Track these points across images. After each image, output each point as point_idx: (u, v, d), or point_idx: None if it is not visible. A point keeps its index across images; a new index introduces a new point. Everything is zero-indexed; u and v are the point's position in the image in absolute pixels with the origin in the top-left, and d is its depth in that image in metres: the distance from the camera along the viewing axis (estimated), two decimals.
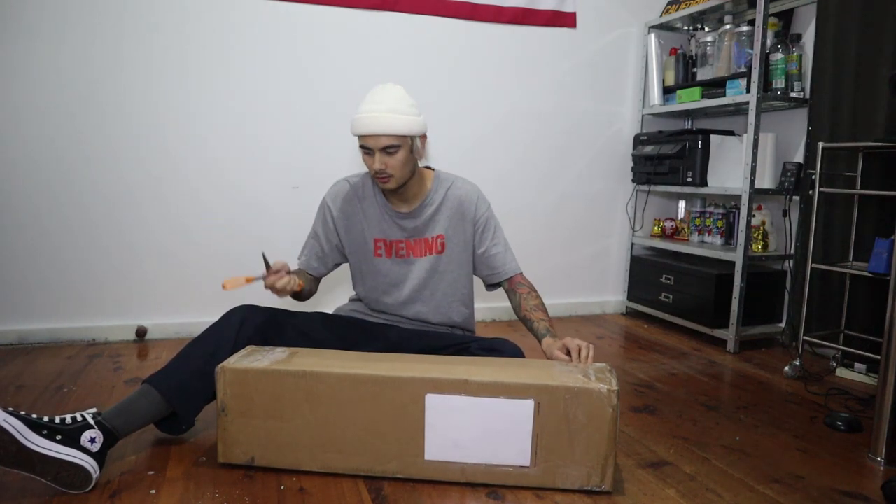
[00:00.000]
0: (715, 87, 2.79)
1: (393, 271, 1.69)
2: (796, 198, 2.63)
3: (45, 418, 1.28)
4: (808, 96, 2.57)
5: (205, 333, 1.52)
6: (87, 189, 2.41)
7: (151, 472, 1.39)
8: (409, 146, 1.54)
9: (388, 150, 1.51)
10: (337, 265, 1.79)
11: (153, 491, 1.32)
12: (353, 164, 2.68)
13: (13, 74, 2.29)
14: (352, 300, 1.83)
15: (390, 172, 1.53)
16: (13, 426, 1.22)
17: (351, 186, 1.70)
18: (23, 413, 1.26)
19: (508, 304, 1.75)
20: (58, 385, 1.95)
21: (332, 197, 1.71)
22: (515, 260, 1.75)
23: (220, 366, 1.37)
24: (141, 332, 2.50)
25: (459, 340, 1.66)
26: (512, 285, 1.72)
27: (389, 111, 1.50)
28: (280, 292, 1.50)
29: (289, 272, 1.52)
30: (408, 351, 1.60)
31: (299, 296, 1.68)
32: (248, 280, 1.48)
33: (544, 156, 3.07)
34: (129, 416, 1.39)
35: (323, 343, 1.61)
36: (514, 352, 1.59)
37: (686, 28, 3.14)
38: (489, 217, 1.73)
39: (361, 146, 1.54)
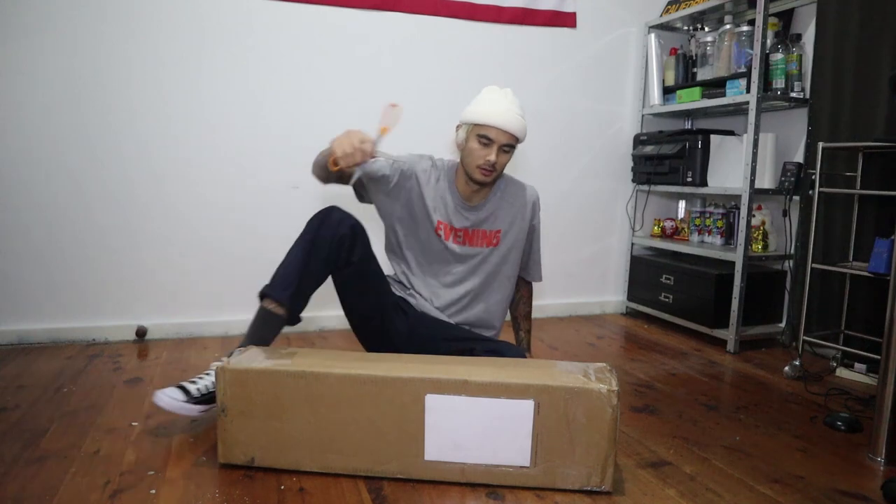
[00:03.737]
0: (715, 87, 2.79)
1: (445, 253, 1.75)
2: (796, 198, 2.63)
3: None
4: (808, 96, 2.57)
5: (307, 234, 1.57)
6: (88, 189, 2.41)
7: (151, 472, 1.39)
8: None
9: (505, 147, 1.59)
10: (369, 202, 1.75)
11: (153, 491, 1.32)
12: None
13: (18, 72, 2.28)
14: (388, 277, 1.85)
15: (498, 168, 1.61)
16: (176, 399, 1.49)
17: (434, 164, 1.74)
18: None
19: (517, 300, 1.92)
20: (58, 385, 1.95)
21: (418, 159, 1.73)
22: (541, 270, 1.89)
23: (220, 366, 1.37)
24: (141, 332, 2.50)
25: (468, 335, 1.72)
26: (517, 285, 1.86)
27: (520, 115, 1.60)
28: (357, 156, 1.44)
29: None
30: (421, 331, 1.68)
31: (341, 177, 1.61)
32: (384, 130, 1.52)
33: (544, 156, 3.06)
34: (261, 340, 1.55)
35: (373, 287, 1.68)
36: (518, 356, 1.60)
37: (686, 28, 3.14)
38: (538, 224, 1.84)
39: (482, 135, 1.57)
